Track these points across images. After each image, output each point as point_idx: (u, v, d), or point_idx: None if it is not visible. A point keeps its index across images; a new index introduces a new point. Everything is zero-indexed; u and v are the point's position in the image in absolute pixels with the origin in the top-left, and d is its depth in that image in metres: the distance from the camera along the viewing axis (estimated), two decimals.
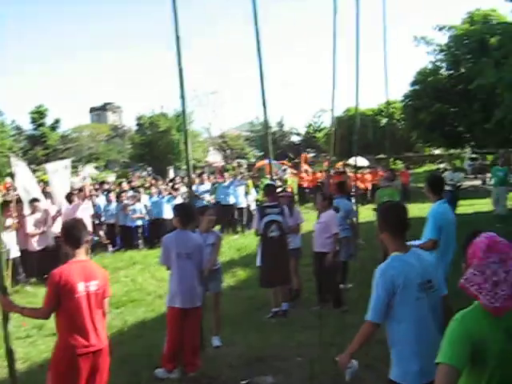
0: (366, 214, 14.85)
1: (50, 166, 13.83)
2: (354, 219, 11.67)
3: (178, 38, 7.07)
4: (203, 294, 7.00)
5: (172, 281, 6.52)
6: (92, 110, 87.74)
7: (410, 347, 3.69)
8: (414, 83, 36.17)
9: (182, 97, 7.21)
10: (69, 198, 12.79)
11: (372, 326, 3.76)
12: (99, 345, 4.55)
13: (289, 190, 21.35)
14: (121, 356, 7.04)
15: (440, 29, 33.91)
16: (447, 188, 17.70)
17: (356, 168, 14.94)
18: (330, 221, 8.84)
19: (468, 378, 2.72)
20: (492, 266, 2.71)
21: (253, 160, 55.15)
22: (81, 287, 4.45)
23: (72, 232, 4.61)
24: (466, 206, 20.51)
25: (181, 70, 7.11)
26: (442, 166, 43.18)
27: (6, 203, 11.41)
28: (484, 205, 20.82)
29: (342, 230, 9.33)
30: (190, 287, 6.43)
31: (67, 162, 14.00)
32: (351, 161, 20.28)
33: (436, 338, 3.49)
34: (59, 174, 13.26)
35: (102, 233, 15.76)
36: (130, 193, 17.31)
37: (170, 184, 19.60)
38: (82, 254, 4.61)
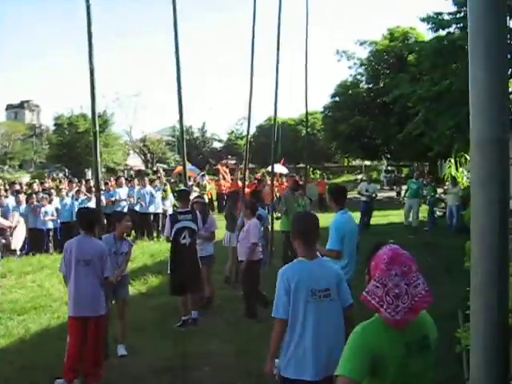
0: None
1: None
2: (269, 226, 11.68)
3: (90, 34, 6.75)
4: (109, 302, 6.76)
5: (69, 288, 6.27)
6: (8, 107, 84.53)
7: (297, 348, 3.93)
8: (334, 95, 37.06)
9: (93, 98, 6.90)
10: None
11: (279, 322, 3.99)
12: None
13: (207, 196, 21.25)
14: (21, 365, 6.80)
15: (361, 43, 34.93)
16: (363, 199, 18.19)
17: (273, 176, 14.89)
18: (250, 230, 8.77)
19: None
20: (394, 278, 2.67)
21: (173, 165, 54.72)
22: None
23: None
24: (380, 217, 20.99)
25: (92, 70, 6.81)
26: (359, 176, 44.26)
27: None
28: (397, 216, 21.38)
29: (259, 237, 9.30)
30: (89, 295, 6.16)
31: None
32: (270, 168, 20.33)
33: (328, 345, 3.86)
34: None
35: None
36: (42, 194, 16.64)
37: (85, 186, 18.98)
38: None
